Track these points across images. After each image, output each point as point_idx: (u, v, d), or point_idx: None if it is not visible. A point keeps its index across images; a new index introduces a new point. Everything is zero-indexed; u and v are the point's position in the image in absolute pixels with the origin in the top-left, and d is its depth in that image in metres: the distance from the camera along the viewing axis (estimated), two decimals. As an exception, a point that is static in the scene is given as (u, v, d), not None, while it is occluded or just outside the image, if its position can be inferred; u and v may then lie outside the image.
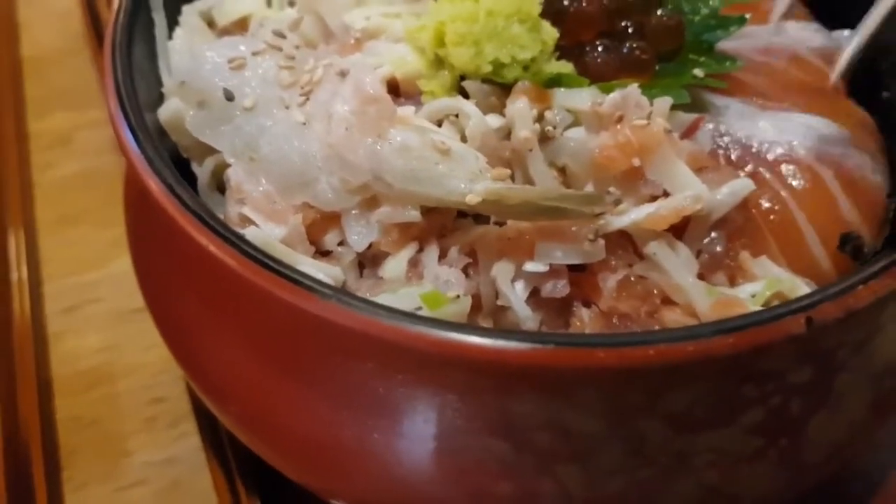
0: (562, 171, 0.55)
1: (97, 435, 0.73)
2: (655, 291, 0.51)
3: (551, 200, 0.50)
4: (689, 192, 0.51)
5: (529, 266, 0.50)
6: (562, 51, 0.58)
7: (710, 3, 0.62)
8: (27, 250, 0.85)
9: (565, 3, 0.59)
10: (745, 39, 0.63)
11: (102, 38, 0.99)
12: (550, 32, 0.57)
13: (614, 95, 0.54)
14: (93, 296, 0.82)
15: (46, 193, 0.91)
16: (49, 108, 0.99)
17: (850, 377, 0.48)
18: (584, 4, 0.59)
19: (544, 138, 0.54)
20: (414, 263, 0.52)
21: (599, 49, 0.58)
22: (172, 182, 0.49)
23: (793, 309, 0.42)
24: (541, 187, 0.52)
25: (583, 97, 0.55)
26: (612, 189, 0.53)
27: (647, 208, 0.51)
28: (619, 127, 0.52)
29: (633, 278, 0.51)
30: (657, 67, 0.60)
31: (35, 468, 0.70)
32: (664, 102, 0.54)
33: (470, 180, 0.50)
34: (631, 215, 0.51)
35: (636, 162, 0.52)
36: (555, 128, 0.54)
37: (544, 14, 0.57)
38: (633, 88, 0.54)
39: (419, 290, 0.50)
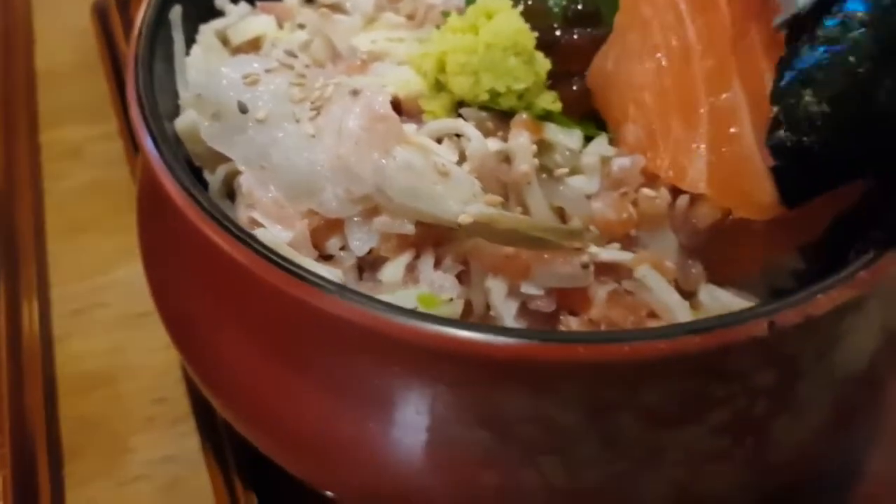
0: (559, 210, 0.57)
1: (100, 433, 0.75)
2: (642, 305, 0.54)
3: (537, 231, 0.53)
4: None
5: (526, 288, 0.54)
6: (554, 78, 0.61)
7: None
8: (36, 256, 0.88)
9: (556, 34, 0.64)
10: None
11: (115, 55, 1.05)
12: (544, 64, 0.60)
13: (623, 160, 0.56)
14: (99, 300, 0.85)
15: (57, 202, 0.94)
16: (61, 120, 1.02)
17: (812, 383, 0.51)
18: (574, 37, 0.64)
19: (543, 172, 0.57)
20: (410, 269, 0.56)
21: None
22: (190, 186, 0.53)
23: (757, 313, 0.46)
24: (529, 218, 0.55)
25: (574, 138, 0.58)
26: (592, 228, 0.55)
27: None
28: (620, 197, 0.55)
29: (622, 291, 0.55)
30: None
31: (40, 464, 0.71)
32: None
33: (464, 202, 0.53)
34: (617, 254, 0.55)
35: (633, 233, 0.55)
36: (559, 168, 0.57)
37: (538, 45, 0.60)
38: (641, 159, 0.56)
39: (416, 291, 0.54)
